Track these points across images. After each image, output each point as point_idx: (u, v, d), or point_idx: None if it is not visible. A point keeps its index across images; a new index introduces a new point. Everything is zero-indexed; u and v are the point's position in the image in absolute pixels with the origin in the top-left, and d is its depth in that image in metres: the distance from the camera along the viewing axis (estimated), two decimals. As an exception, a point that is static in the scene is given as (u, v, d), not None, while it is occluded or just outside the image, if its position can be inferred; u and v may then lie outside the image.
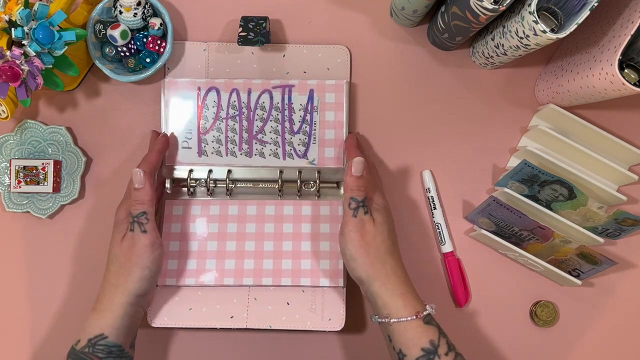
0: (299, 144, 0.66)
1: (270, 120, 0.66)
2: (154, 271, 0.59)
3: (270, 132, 0.66)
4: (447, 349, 0.54)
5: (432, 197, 0.68)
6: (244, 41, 0.62)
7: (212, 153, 0.66)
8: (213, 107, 0.66)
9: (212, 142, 0.66)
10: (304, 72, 0.67)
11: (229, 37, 0.69)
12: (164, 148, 0.64)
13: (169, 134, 0.66)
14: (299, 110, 0.66)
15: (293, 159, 0.66)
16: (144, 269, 0.57)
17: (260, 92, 0.66)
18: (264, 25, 0.63)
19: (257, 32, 0.62)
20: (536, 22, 0.52)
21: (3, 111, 0.60)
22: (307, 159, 0.66)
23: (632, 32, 0.53)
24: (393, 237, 0.59)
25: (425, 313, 0.55)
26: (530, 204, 0.64)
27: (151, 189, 0.59)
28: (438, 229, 0.68)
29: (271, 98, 0.66)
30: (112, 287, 0.57)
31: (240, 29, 0.62)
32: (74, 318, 0.67)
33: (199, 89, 0.66)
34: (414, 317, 0.54)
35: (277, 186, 0.65)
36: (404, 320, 0.54)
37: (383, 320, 0.55)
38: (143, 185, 0.58)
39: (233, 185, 0.66)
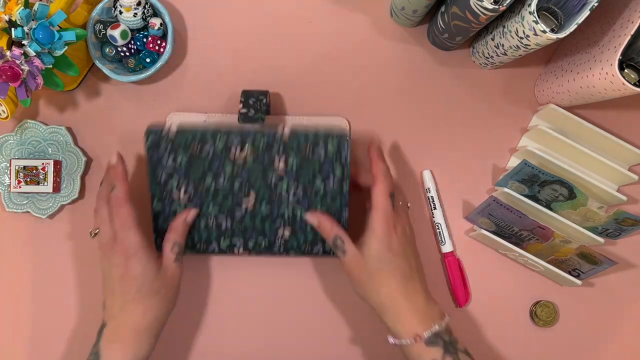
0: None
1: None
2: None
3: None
4: None
5: (432, 197, 0.68)
6: (244, 119, 0.62)
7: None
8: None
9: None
10: None
11: (230, 108, 0.69)
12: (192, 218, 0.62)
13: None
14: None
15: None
16: (177, 297, 0.59)
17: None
18: (264, 101, 0.62)
19: (257, 108, 0.62)
20: (536, 22, 0.52)
21: (3, 111, 0.60)
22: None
23: (632, 32, 0.53)
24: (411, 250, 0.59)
25: (426, 335, 0.54)
26: (530, 204, 0.64)
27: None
28: (438, 229, 0.68)
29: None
30: (150, 320, 0.56)
31: (241, 105, 0.62)
32: (73, 318, 0.67)
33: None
34: (412, 341, 0.55)
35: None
36: (407, 343, 0.55)
37: (391, 341, 0.56)
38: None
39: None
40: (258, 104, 0.62)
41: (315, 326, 0.68)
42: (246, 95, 0.63)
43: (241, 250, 0.63)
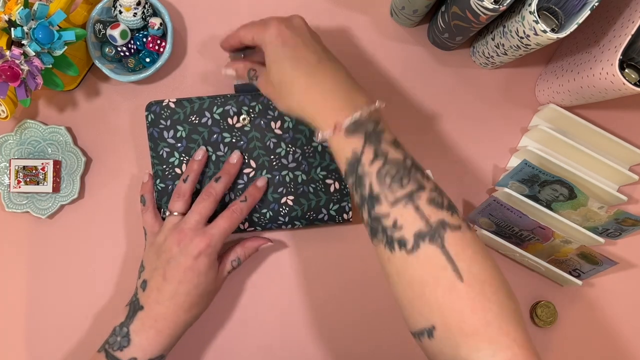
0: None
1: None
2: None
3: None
4: (372, 156, 0.47)
5: (432, 197, 0.68)
6: (240, 88, 0.64)
7: None
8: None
9: None
10: None
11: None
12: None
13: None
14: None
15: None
16: (214, 296, 0.60)
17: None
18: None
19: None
20: (536, 22, 0.52)
21: (3, 111, 0.60)
22: None
23: (633, 32, 0.53)
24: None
25: (346, 123, 0.48)
26: (530, 204, 0.64)
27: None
28: (438, 229, 0.68)
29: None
30: (190, 318, 0.57)
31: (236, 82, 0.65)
32: (73, 318, 0.67)
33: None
34: (331, 132, 0.49)
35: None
36: (328, 136, 0.49)
37: (316, 140, 0.52)
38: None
39: None
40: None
41: (328, 303, 0.68)
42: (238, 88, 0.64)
43: (247, 224, 0.64)
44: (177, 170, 0.63)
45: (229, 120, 0.63)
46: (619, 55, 0.53)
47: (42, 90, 0.65)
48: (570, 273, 0.65)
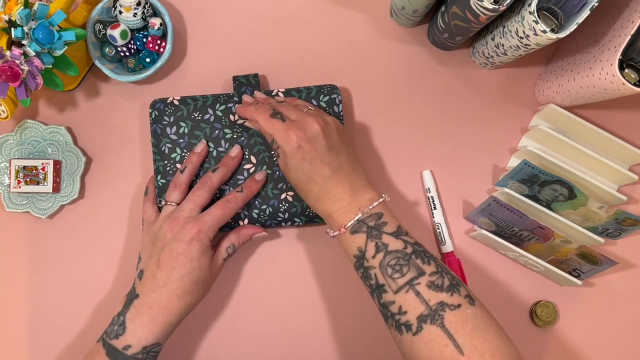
0: None
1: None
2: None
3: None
4: (374, 250, 0.53)
5: (432, 197, 0.68)
6: (239, 83, 0.64)
7: None
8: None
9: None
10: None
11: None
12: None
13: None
14: None
15: None
16: (205, 296, 0.60)
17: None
18: (255, 78, 0.65)
19: (249, 80, 0.65)
20: (536, 22, 0.52)
21: (3, 111, 0.60)
22: None
23: (633, 32, 0.53)
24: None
25: (349, 224, 0.54)
26: (530, 204, 0.64)
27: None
28: (438, 229, 0.68)
29: None
30: (185, 305, 0.57)
31: (234, 85, 0.65)
32: (73, 318, 0.67)
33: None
34: (338, 232, 0.55)
35: None
36: (337, 235, 0.56)
37: (329, 235, 0.57)
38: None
39: None
40: (249, 79, 0.65)
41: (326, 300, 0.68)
42: (239, 83, 0.65)
43: (246, 221, 0.64)
44: (179, 166, 0.64)
45: (231, 117, 0.64)
46: (618, 55, 0.53)
47: (42, 90, 0.65)
48: (570, 273, 0.65)
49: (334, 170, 0.56)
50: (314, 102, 0.64)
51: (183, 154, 0.64)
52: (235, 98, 0.64)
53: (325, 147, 0.56)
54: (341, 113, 0.65)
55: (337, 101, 0.65)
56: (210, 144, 0.64)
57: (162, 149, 0.64)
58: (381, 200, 0.56)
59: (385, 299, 0.52)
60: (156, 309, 0.56)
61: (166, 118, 0.64)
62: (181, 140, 0.64)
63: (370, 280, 0.53)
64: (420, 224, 0.69)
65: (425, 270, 0.52)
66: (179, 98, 0.64)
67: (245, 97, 0.63)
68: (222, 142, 0.64)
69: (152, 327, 0.55)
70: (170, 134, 0.64)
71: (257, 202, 0.64)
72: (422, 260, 0.53)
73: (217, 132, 0.64)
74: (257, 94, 0.64)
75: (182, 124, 0.64)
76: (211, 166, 0.64)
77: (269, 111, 0.58)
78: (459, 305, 0.50)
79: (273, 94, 0.65)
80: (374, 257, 0.53)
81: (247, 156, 0.64)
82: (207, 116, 0.64)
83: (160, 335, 0.56)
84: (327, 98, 0.65)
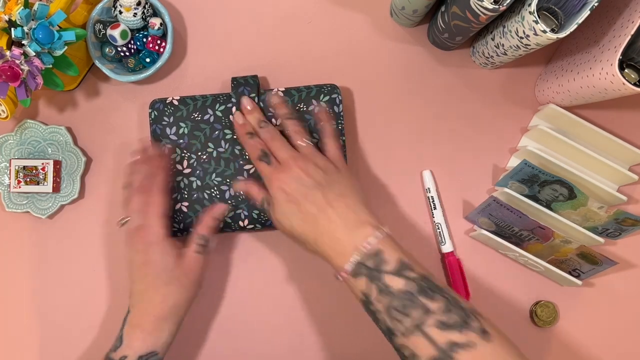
0: None
1: None
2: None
3: None
4: (377, 293, 0.51)
5: (432, 197, 0.68)
6: (238, 83, 0.64)
7: None
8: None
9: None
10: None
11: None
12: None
13: None
14: None
15: None
16: (200, 287, 0.59)
17: None
18: (254, 80, 0.65)
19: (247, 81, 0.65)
20: (536, 22, 0.52)
21: (3, 111, 0.60)
22: None
23: (632, 32, 0.53)
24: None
25: (349, 269, 0.52)
26: (530, 204, 0.64)
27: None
28: (438, 229, 0.68)
29: None
30: (170, 307, 0.57)
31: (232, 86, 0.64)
32: (73, 318, 0.67)
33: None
34: (340, 278, 0.53)
35: None
36: (341, 279, 0.54)
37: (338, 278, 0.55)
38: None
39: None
40: (247, 80, 0.65)
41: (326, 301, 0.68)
42: (237, 84, 0.64)
43: (246, 222, 0.64)
44: (178, 167, 0.64)
45: (231, 117, 0.64)
46: (618, 55, 0.53)
47: (42, 90, 0.65)
48: (570, 273, 0.65)
49: (320, 207, 0.54)
50: (314, 102, 0.64)
51: (183, 155, 0.64)
52: (233, 99, 0.64)
53: (310, 185, 0.55)
54: (341, 113, 0.65)
55: (337, 101, 0.65)
56: (210, 145, 0.64)
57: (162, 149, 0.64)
58: (377, 236, 0.52)
59: (397, 342, 0.51)
60: (144, 318, 0.57)
61: (165, 118, 0.64)
62: (181, 141, 0.64)
63: (379, 324, 0.52)
64: (420, 224, 0.69)
65: (432, 308, 0.49)
66: (179, 98, 0.64)
67: (244, 101, 0.63)
68: (222, 142, 0.64)
69: (144, 336, 0.56)
70: (170, 134, 0.64)
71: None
72: (428, 297, 0.50)
73: (217, 132, 0.64)
74: (244, 101, 0.63)
75: (181, 124, 0.64)
76: (211, 167, 0.64)
77: (258, 151, 0.59)
78: (472, 344, 0.47)
79: (273, 92, 0.64)
80: (378, 301, 0.51)
81: (246, 157, 0.64)
82: (206, 116, 0.64)
83: (154, 343, 0.56)
84: (327, 98, 0.65)
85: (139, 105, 0.69)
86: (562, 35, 0.52)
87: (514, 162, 0.68)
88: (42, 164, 0.66)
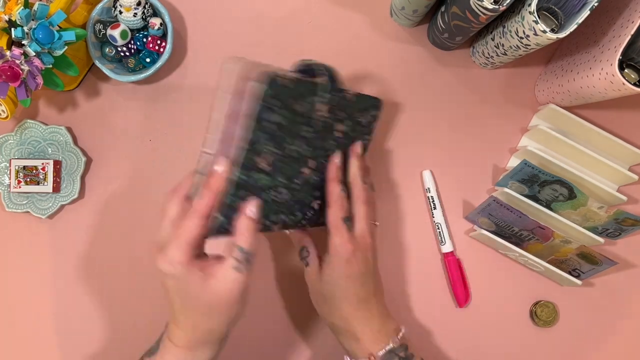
0: None
1: None
2: None
3: None
4: None
5: (432, 197, 0.68)
6: (305, 65, 0.53)
7: None
8: None
9: None
10: None
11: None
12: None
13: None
14: None
15: None
16: (242, 305, 0.52)
17: None
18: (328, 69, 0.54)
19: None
20: (536, 22, 0.52)
21: (3, 111, 0.60)
22: None
23: (632, 32, 0.53)
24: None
25: (380, 354, 0.54)
26: (530, 204, 0.64)
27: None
28: (438, 229, 0.68)
29: None
30: (202, 333, 0.51)
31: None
32: (73, 318, 0.67)
33: None
34: (367, 359, 0.55)
35: None
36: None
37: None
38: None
39: None
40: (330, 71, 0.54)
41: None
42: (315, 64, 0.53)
43: (277, 227, 0.55)
44: (260, 164, 0.51)
45: (316, 110, 0.53)
46: (618, 55, 0.53)
47: (42, 90, 0.65)
48: (570, 273, 0.65)
49: (368, 295, 0.56)
50: (358, 114, 0.57)
51: (266, 150, 0.50)
52: (322, 94, 0.52)
53: (368, 272, 0.56)
54: (373, 129, 0.59)
55: (374, 118, 0.59)
56: (291, 140, 0.52)
57: (257, 138, 0.49)
58: (404, 331, 0.57)
59: None
60: (181, 337, 0.52)
61: (277, 102, 0.49)
62: (279, 133, 0.51)
63: None
64: (420, 224, 0.69)
65: None
66: (295, 78, 0.50)
67: (356, 145, 0.57)
68: (300, 138, 0.53)
69: (177, 352, 0.52)
70: (271, 121, 0.50)
71: (296, 205, 0.55)
72: None
73: (300, 126, 0.52)
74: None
75: (285, 112, 0.50)
76: (289, 168, 0.53)
77: (344, 211, 0.55)
78: None
79: (347, 94, 0.55)
80: None
81: (304, 159, 0.54)
82: (298, 112, 0.51)
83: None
84: (369, 114, 0.58)
85: (139, 105, 0.69)
86: (562, 35, 0.52)
87: (514, 162, 0.68)
88: (42, 164, 0.66)
